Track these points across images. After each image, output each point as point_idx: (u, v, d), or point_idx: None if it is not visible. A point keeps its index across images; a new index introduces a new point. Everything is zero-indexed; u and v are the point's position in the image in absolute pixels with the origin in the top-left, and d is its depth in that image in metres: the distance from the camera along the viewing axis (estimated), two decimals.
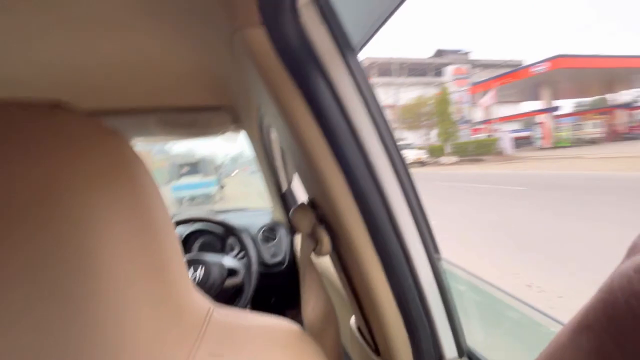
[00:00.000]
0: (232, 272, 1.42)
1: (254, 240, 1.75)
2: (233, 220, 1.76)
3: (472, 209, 6.34)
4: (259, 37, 0.40)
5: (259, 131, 1.27)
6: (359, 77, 0.44)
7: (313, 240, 0.54)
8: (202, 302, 0.31)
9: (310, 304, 0.58)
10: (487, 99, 21.72)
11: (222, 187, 13.62)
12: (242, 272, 1.46)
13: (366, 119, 0.45)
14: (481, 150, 19.38)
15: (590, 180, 7.82)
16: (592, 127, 21.86)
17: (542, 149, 20.40)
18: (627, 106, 24.27)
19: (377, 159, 0.46)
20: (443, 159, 19.74)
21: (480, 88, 23.46)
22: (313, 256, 0.57)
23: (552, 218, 4.96)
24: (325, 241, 0.51)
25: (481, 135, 22.25)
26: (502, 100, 24.87)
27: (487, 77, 26.34)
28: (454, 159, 19.46)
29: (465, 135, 22.19)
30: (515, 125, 26.70)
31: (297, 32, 0.41)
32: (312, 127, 0.43)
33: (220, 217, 1.74)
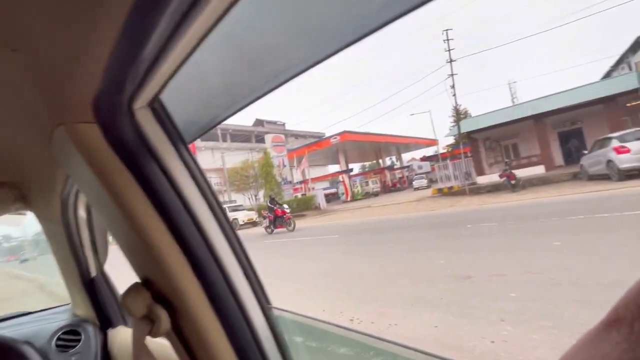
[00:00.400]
0: None
1: (43, 353, 1.30)
2: (4, 333, 1.27)
3: (303, 260, 6.99)
4: (91, 133, 0.43)
5: (62, 211, 1.06)
6: (191, 165, 0.53)
7: (148, 322, 0.52)
8: None
9: None
10: (303, 162, 25.59)
11: None
12: None
13: (199, 198, 0.53)
14: (303, 206, 22.09)
15: (378, 223, 10.45)
16: (373, 184, 29.40)
17: (345, 202, 25.42)
18: (390, 168, 34.75)
19: (210, 231, 0.53)
20: None
21: (295, 154, 27.51)
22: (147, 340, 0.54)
23: (360, 260, 6.16)
24: (164, 319, 0.51)
25: (301, 194, 25.52)
26: (313, 164, 29.98)
27: (300, 145, 31.42)
28: None
29: (288, 194, 24.82)
30: (325, 184, 32.40)
31: (133, 130, 0.46)
32: (148, 210, 0.47)
33: None
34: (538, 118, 16.59)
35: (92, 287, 1.42)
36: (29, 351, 1.20)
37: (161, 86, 0.42)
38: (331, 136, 25.92)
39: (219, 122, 0.52)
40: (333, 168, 35.20)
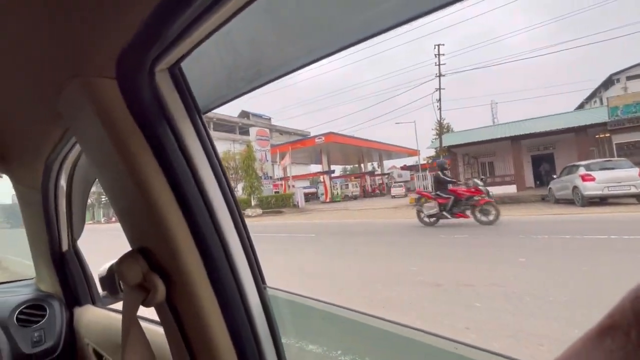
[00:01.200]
0: None
1: (3, 326, 1.23)
2: None
3: (280, 255, 6.95)
4: (110, 88, 0.41)
5: (44, 177, 1.01)
6: (203, 135, 0.52)
7: (142, 291, 0.51)
8: None
9: None
10: (285, 159, 25.44)
11: None
12: None
13: (208, 170, 0.52)
14: (281, 203, 21.97)
15: (354, 225, 10.59)
16: (353, 187, 29.68)
17: (323, 202, 25.52)
18: (371, 173, 35.26)
19: (216, 204, 0.53)
20: (249, 211, 20.81)
21: (279, 149, 27.33)
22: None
23: (334, 259, 6.21)
24: (160, 288, 0.50)
25: (280, 190, 25.38)
26: (295, 162, 29.86)
27: (284, 141, 31.28)
28: (259, 210, 20.91)
29: (268, 189, 24.59)
30: (305, 183, 32.38)
31: (151, 91, 0.45)
32: (157, 174, 0.46)
33: None
34: (515, 140, 17.38)
35: (62, 262, 1.36)
36: None
37: (187, 51, 0.41)
38: (316, 136, 25.95)
39: (240, 95, 0.52)
40: (315, 168, 35.29)
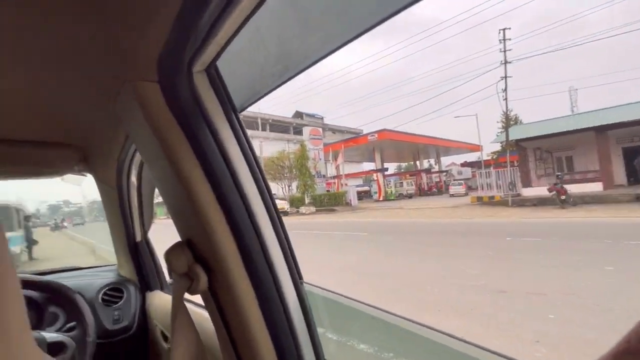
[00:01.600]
0: (57, 348, 1.12)
1: (91, 304, 1.43)
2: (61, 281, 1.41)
3: (334, 253, 7.03)
4: (153, 91, 0.45)
5: (117, 175, 1.15)
6: (240, 133, 0.54)
7: (188, 279, 0.55)
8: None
9: (180, 350, 0.56)
10: (339, 158, 25.56)
11: (32, 243, 10.25)
12: (71, 347, 1.17)
13: (244, 167, 0.54)
14: (334, 202, 22.15)
15: (408, 225, 10.21)
16: (407, 185, 28.63)
17: (377, 201, 25.04)
18: (427, 171, 33.63)
19: (252, 200, 0.55)
20: (303, 209, 21.37)
21: (331, 148, 27.54)
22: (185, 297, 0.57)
23: (386, 256, 6.06)
24: (203, 278, 0.54)
25: (333, 189, 25.57)
26: (348, 160, 29.82)
27: (337, 140, 31.46)
28: (312, 208, 21.35)
29: (321, 187, 24.97)
30: (358, 181, 32.15)
31: (190, 93, 0.48)
32: (197, 171, 0.49)
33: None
34: (600, 130, 15.08)
35: (136, 251, 1.53)
36: (80, 300, 1.33)
37: (219, 50, 0.43)
38: (369, 133, 25.57)
39: (271, 91, 0.53)
40: (368, 166, 34.81)
